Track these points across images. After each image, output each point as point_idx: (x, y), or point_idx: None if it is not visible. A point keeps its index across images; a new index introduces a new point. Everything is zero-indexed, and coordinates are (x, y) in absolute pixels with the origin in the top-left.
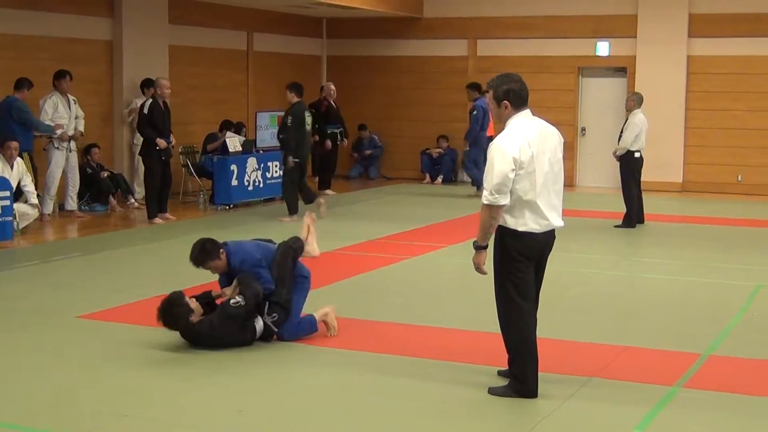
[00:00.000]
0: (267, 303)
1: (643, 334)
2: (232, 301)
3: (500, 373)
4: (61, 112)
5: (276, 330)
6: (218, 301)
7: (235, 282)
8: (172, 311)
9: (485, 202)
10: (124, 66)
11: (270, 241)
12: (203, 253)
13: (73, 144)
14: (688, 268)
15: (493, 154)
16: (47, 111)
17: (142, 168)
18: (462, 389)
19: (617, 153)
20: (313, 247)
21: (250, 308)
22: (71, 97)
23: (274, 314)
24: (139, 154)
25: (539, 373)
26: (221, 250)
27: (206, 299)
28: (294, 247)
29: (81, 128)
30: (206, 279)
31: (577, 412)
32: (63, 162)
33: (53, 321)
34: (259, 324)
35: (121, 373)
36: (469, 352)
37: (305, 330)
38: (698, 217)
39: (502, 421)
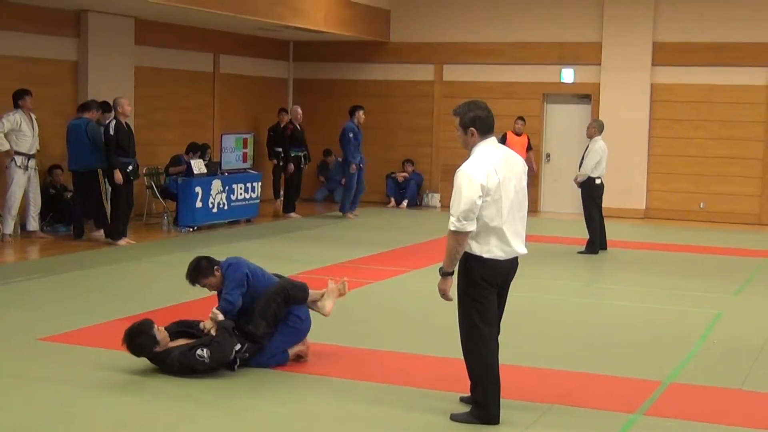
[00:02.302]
0: (242, 335)
1: (605, 361)
2: (198, 351)
3: (462, 400)
4: (24, 131)
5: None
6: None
7: (214, 323)
8: (135, 341)
9: (452, 228)
10: (89, 86)
11: (281, 277)
12: (196, 271)
13: (33, 163)
14: (651, 294)
15: (460, 180)
16: (3, 123)
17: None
18: (424, 415)
19: (578, 179)
20: (324, 304)
21: (209, 367)
22: (33, 116)
23: (246, 353)
24: (105, 176)
25: (501, 400)
26: (216, 267)
27: (186, 328)
28: (291, 292)
29: (37, 146)
30: (172, 302)
31: None
32: (24, 181)
33: (13, 343)
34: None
35: (83, 396)
36: (432, 378)
37: (274, 363)
38: (661, 243)
39: None
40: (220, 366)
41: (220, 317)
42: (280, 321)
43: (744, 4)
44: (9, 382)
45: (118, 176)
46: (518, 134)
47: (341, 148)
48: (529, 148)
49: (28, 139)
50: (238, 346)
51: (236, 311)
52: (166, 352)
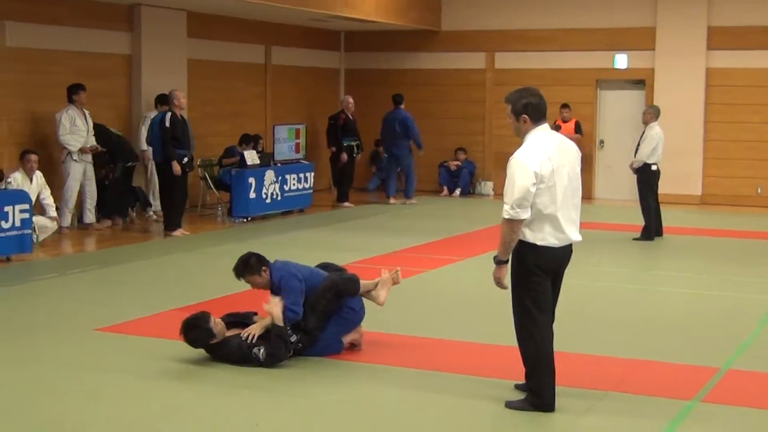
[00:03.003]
0: (294, 330)
1: (660, 348)
2: (254, 350)
3: (517, 387)
4: (79, 126)
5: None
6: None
7: (266, 323)
8: (191, 335)
9: (506, 216)
10: (142, 80)
11: (330, 266)
12: (245, 266)
13: (89, 157)
14: (707, 281)
15: (514, 168)
16: (65, 125)
17: (156, 180)
18: (479, 403)
19: (634, 165)
20: (378, 294)
21: (262, 363)
22: (86, 111)
23: (299, 344)
24: (158, 168)
25: (556, 387)
26: (264, 268)
27: (242, 320)
28: (341, 287)
29: (93, 141)
30: (226, 292)
31: (595, 426)
32: (80, 175)
33: (71, 334)
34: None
35: (139, 385)
36: (486, 366)
37: (327, 353)
38: (717, 229)
39: None
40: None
41: (276, 310)
42: (333, 314)
43: None
44: (67, 371)
45: (177, 168)
46: (565, 122)
47: (412, 134)
48: (577, 131)
49: (82, 134)
50: (294, 338)
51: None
52: (223, 343)
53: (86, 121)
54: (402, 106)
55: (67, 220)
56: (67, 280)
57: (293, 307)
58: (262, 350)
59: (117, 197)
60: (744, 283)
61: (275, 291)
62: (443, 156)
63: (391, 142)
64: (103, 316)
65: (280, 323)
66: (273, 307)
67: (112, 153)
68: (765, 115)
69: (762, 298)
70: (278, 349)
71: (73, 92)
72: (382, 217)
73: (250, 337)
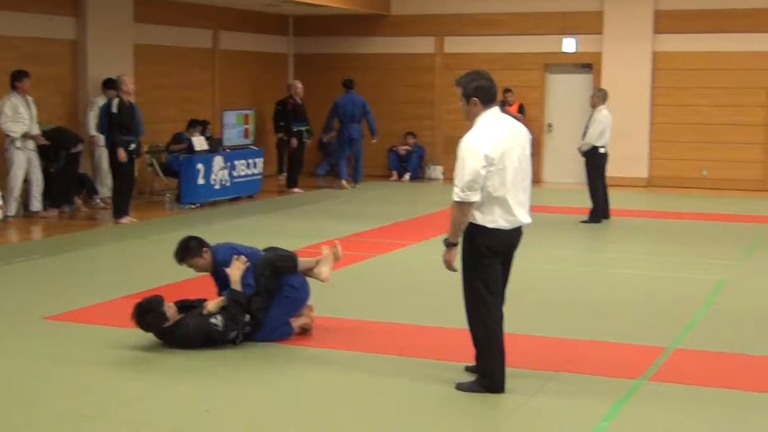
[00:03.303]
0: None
1: (609, 329)
2: (212, 319)
3: (468, 369)
4: (21, 113)
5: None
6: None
7: (220, 301)
8: (145, 318)
9: (456, 199)
10: (88, 65)
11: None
12: (186, 250)
13: (32, 144)
14: (654, 262)
15: (464, 151)
16: (7, 113)
17: (103, 166)
18: (429, 385)
19: (582, 149)
20: (320, 270)
21: (223, 333)
22: (29, 98)
23: (247, 326)
24: (109, 155)
25: (506, 368)
26: (204, 249)
27: (194, 304)
28: (277, 263)
29: (37, 129)
30: (175, 278)
31: (544, 407)
32: (25, 163)
33: (19, 323)
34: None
35: (89, 373)
36: (437, 349)
37: (277, 337)
38: (664, 211)
39: (470, 417)
40: (225, 340)
41: (236, 273)
42: (274, 293)
43: None
44: (16, 361)
45: (122, 154)
46: (509, 105)
47: (371, 119)
48: (520, 111)
49: (25, 121)
50: (246, 317)
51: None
52: (176, 325)
53: (29, 108)
54: (353, 91)
55: (13, 208)
56: (14, 269)
57: (246, 281)
58: (219, 318)
59: (63, 185)
60: (690, 264)
61: (219, 272)
62: (392, 140)
63: (349, 125)
64: (51, 305)
65: (238, 288)
66: (233, 270)
67: (54, 143)
68: (711, 98)
69: (708, 278)
70: (237, 314)
71: (15, 79)
72: (331, 202)
73: (206, 312)
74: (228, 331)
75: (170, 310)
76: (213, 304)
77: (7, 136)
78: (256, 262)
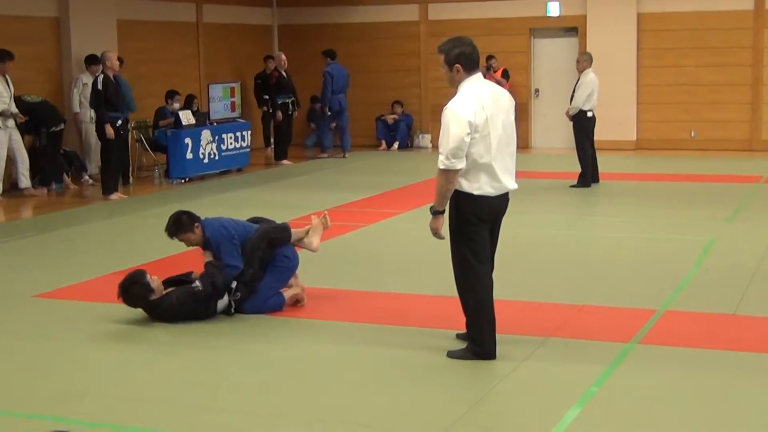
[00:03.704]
0: (234, 281)
1: (599, 293)
2: (192, 286)
3: (459, 336)
4: (1, 91)
5: (235, 308)
6: None
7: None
8: (131, 290)
9: (441, 167)
10: (72, 42)
11: (262, 220)
12: (176, 225)
13: (12, 122)
14: (644, 225)
15: (448, 118)
16: None
17: (91, 143)
18: (421, 353)
19: (570, 113)
20: (310, 240)
21: (207, 293)
22: (8, 77)
23: (238, 293)
24: (96, 131)
25: (497, 335)
26: (196, 224)
27: (180, 279)
28: (273, 235)
29: (15, 108)
30: (165, 253)
31: (535, 372)
32: (6, 141)
33: (9, 301)
34: (223, 301)
35: (81, 350)
36: (428, 317)
37: (269, 308)
38: (653, 174)
39: (461, 384)
40: (210, 307)
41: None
42: (267, 265)
43: None
44: (6, 340)
45: (110, 131)
46: (495, 71)
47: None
48: (504, 76)
49: (5, 100)
50: (234, 284)
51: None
52: (161, 299)
53: (8, 86)
54: (337, 61)
55: None
56: (3, 248)
57: (232, 262)
58: (197, 282)
59: (49, 163)
60: (680, 226)
61: (206, 247)
62: (380, 110)
63: (337, 96)
64: (42, 283)
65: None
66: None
67: (34, 120)
68: (697, 58)
69: (698, 239)
70: (214, 275)
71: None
72: (320, 173)
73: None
74: (209, 291)
75: (154, 282)
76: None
77: None
78: (247, 235)
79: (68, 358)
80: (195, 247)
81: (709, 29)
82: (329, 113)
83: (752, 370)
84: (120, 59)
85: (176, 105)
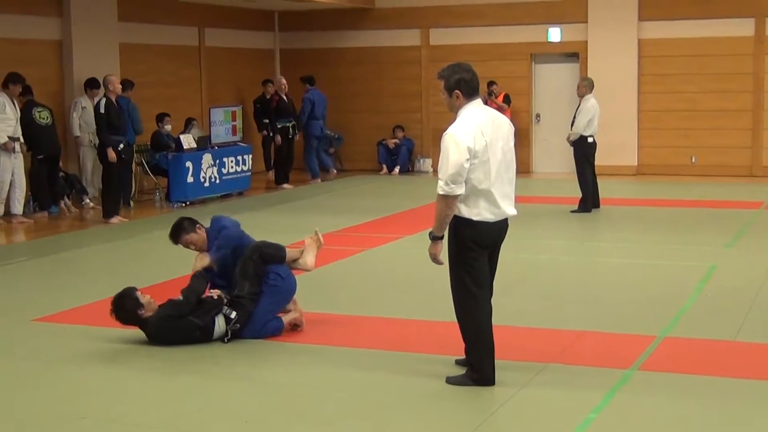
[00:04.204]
0: (231, 307)
1: (599, 319)
2: (174, 299)
3: (458, 362)
4: (8, 114)
5: (232, 336)
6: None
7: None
8: (119, 303)
9: (441, 192)
10: (74, 66)
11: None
12: (179, 229)
13: (18, 146)
14: (644, 251)
15: (447, 144)
16: None
17: (88, 167)
18: (420, 379)
19: (570, 138)
20: (305, 260)
21: (188, 304)
22: (14, 100)
23: (237, 324)
24: (98, 154)
25: (496, 361)
26: (198, 225)
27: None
28: (265, 249)
29: (20, 132)
30: (166, 277)
31: (534, 399)
32: (10, 166)
33: (8, 325)
34: (220, 327)
35: (79, 374)
36: (427, 342)
37: (268, 333)
38: (653, 199)
39: (460, 410)
40: (189, 313)
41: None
42: (262, 279)
43: None
44: (5, 363)
45: (112, 154)
46: (496, 96)
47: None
48: (505, 101)
49: (11, 123)
50: (233, 314)
51: (229, 247)
52: (150, 317)
53: (15, 110)
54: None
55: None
56: (3, 271)
57: (230, 227)
58: (179, 296)
59: (44, 187)
60: (681, 251)
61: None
62: (381, 134)
63: (319, 121)
64: (40, 306)
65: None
66: (197, 262)
67: (32, 141)
68: (698, 84)
69: (698, 265)
70: (194, 283)
71: (10, 81)
72: (321, 197)
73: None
74: (191, 301)
75: (144, 298)
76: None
77: None
78: (245, 245)
79: (67, 382)
80: (198, 249)
81: (710, 55)
82: (311, 138)
83: (752, 397)
84: (131, 82)
85: (167, 127)
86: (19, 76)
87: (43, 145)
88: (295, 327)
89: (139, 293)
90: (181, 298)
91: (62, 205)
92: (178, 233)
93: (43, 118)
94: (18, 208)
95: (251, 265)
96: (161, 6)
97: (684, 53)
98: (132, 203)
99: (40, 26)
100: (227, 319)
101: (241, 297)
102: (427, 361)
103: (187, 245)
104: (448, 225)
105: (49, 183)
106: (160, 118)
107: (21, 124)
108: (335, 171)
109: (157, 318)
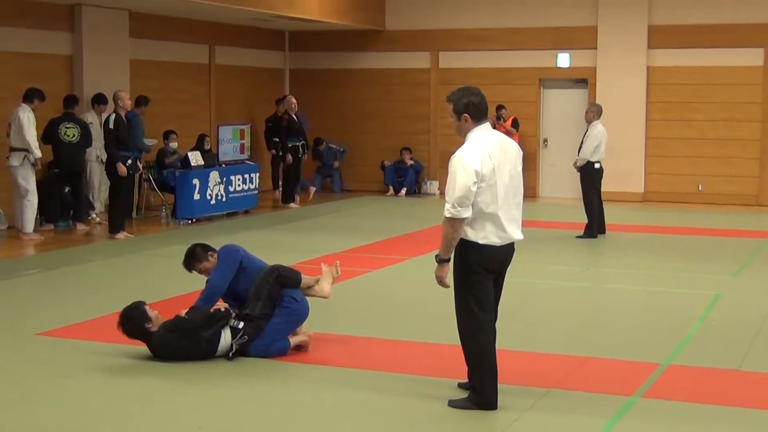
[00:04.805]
0: (239, 320)
1: (603, 345)
2: (183, 311)
3: (461, 386)
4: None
5: (236, 352)
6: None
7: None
8: (127, 315)
9: (447, 215)
10: (84, 81)
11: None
12: (191, 256)
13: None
14: (650, 277)
15: (455, 167)
16: (29, 123)
17: (94, 182)
18: (423, 402)
19: (577, 164)
20: (321, 287)
21: (195, 322)
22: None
23: (245, 336)
24: (106, 170)
25: (499, 385)
26: (210, 253)
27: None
28: (282, 272)
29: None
30: (171, 294)
31: (537, 424)
32: (30, 176)
33: (13, 339)
34: (225, 340)
35: (82, 390)
36: (430, 365)
37: (273, 353)
38: (660, 226)
39: None
40: (198, 336)
41: None
42: (276, 302)
43: None
44: (8, 378)
45: (122, 169)
46: (504, 120)
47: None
48: (514, 125)
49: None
50: (241, 325)
51: (217, 295)
52: (156, 331)
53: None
54: None
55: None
56: (8, 285)
57: (216, 280)
58: (183, 312)
59: (54, 201)
60: (686, 279)
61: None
62: (388, 155)
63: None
64: (44, 321)
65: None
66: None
67: (53, 156)
68: (705, 112)
69: (704, 293)
70: (199, 306)
71: (35, 95)
72: (327, 217)
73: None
74: (197, 319)
75: (152, 312)
76: None
77: (27, 151)
78: (258, 269)
79: (71, 397)
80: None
81: (719, 84)
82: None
83: (756, 427)
84: (146, 98)
85: (173, 144)
86: (42, 94)
87: (63, 161)
88: (299, 348)
89: (147, 307)
90: (186, 315)
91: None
92: (191, 261)
93: (69, 135)
94: (29, 226)
95: (266, 287)
96: (172, 23)
97: (693, 81)
98: (134, 215)
99: (51, 41)
100: (234, 330)
101: (251, 315)
102: (430, 384)
103: (199, 272)
104: (455, 248)
105: (62, 197)
106: (167, 135)
107: (44, 139)
108: (314, 189)
109: (163, 329)
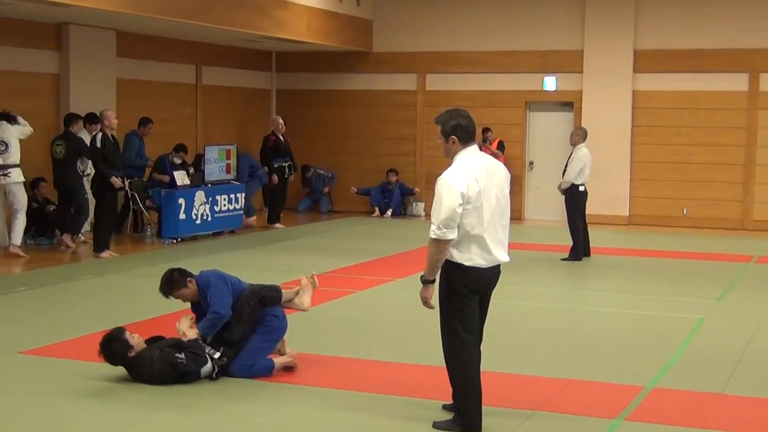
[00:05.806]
0: (218, 346)
1: (587, 368)
2: (176, 353)
3: (445, 407)
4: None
5: (221, 371)
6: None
7: (191, 323)
8: (108, 347)
9: (433, 236)
10: (71, 100)
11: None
12: (169, 283)
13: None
14: (634, 300)
15: (441, 189)
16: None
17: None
18: (407, 423)
19: (562, 186)
20: (302, 300)
21: (188, 370)
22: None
23: (224, 358)
24: (92, 188)
25: (483, 407)
26: (189, 279)
27: (162, 338)
28: (264, 294)
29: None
30: (154, 313)
31: None
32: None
33: None
34: (207, 367)
35: (64, 408)
36: (415, 386)
37: (258, 372)
38: (644, 250)
39: None
40: (195, 375)
41: (189, 337)
42: (257, 323)
43: (723, 12)
44: None
45: (117, 182)
46: (490, 142)
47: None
48: (499, 148)
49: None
50: (217, 355)
51: (225, 320)
52: (141, 357)
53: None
54: None
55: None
56: None
57: (220, 310)
58: (183, 354)
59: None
60: (670, 303)
61: (202, 298)
62: (374, 177)
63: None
64: (28, 339)
65: (191, 336)
66: (180, 325)
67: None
68: (690, 137)
69: (688, 317)
70: (200, 350)
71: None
72: (312, 237)
73: (180, 330)
74: (194, 366)
75: (133, 339)
76: (185, 323)
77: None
78: (239, 289)
79: (52, 417)
80: (189, 301)
81: (704, 108)
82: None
83: None
84: (148, 119)
85: (177, 160)
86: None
87: (54, 177)
88: (288, 369)
89: (128, 334)
90: (183, 359)
91: (59, 236)
92: (170, 288)
93: (57, 152)
94: (18, 240)
95: (248, 311)
96: (160, 43)
97: (678, 106)
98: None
99: (38, 59)
100: (211, 359)
101: (229, 340)
102: (415, 405)
103: (177, 298)
104: (440, 269)
105: (47, 215)
106: (178, 149)
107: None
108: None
109: (151, 370)
